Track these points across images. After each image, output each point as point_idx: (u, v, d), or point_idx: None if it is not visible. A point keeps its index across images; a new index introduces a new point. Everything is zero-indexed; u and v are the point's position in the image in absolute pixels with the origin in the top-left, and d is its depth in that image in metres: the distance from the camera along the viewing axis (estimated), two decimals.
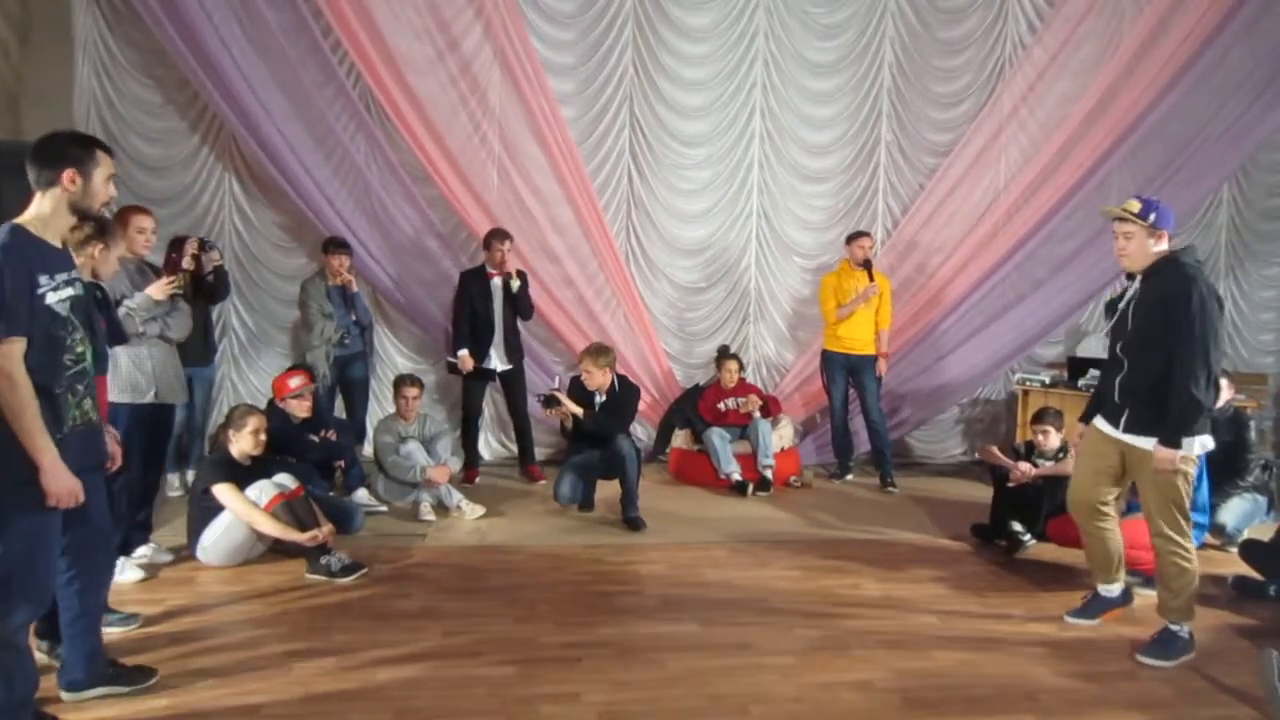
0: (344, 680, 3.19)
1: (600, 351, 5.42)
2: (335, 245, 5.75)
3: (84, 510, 2.69)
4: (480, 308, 5.94)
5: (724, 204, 6.89)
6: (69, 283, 2.66)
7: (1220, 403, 5.06)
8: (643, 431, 6.92)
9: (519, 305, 6.00)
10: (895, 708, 3.10)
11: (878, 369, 6.28)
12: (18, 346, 2.48)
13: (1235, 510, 4.99)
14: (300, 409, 5.08)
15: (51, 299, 2.58)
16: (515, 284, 5.91)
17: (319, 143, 6.08)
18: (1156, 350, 3.43)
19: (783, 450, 6.32)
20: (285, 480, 4.40)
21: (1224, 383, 5.04)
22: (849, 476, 6.47)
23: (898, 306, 6.55)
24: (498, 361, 6.04)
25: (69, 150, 2.67)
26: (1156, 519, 3.53)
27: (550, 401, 5.32)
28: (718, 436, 6.14)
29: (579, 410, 5.30)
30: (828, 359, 6.32)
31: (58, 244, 2.70)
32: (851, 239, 6.26)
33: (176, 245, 5.16)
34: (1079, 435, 3.92)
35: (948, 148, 6.89)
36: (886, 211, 7.03)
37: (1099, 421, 3.71)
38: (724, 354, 6.56)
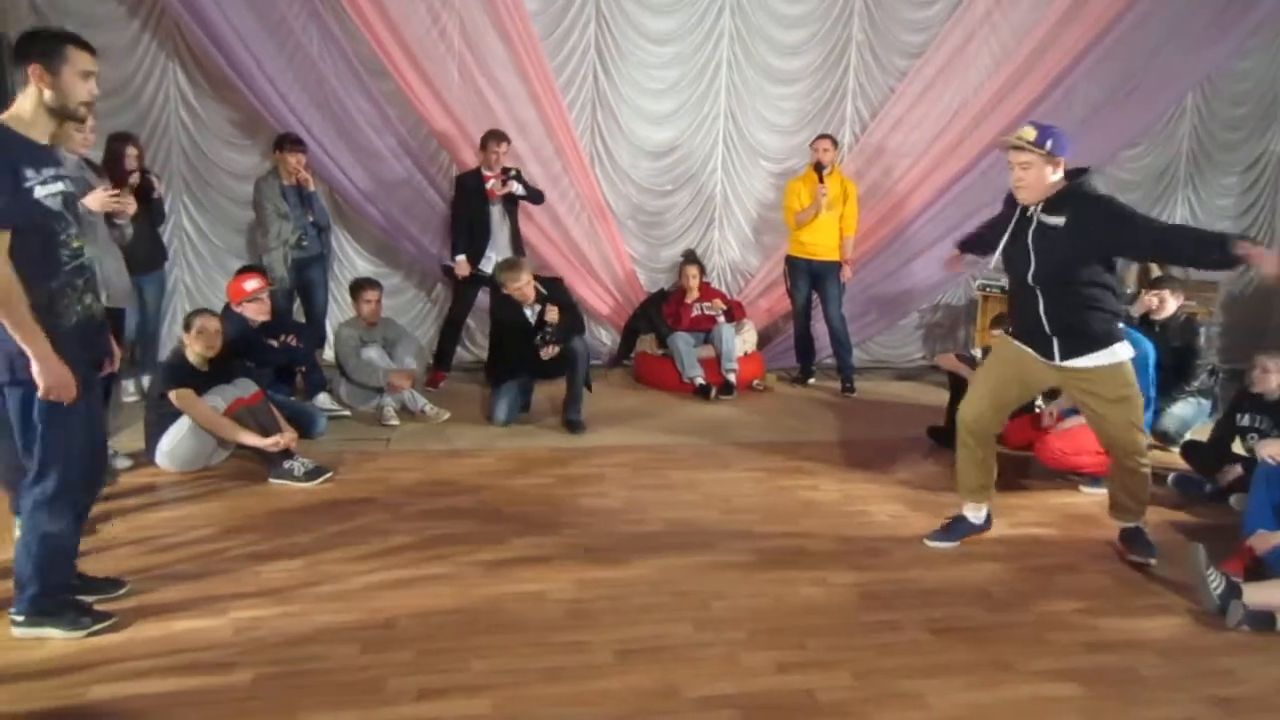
0: (311, 582, 3.23)
1: (511, 266, 5.23)
2: (290, 142, 5.54)
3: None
4: (477, 211, 5.81)
5: (691, 105, 6.73)
6: (58, 178, 2.64)
7: (1171, 310, 5.19)
8: (607, 336, 6.92)
9: (530, 197, 5.89)
10: (851, 602, 3.23)
11: (842, 275, 6.30)
12: (3, 238, 2.47)
13: (1179, 414, 5.15)
14: (258, 312, 4.98)
15: (40, 193, 2.56)
16: (517, 189, 5.77)
17: (270, 32, 5.77)
18: (1077, 275, 3.33)
19: (746, 354, 6.37)
20: (245, 385, 4.35)
21: (1167, 292, 5.16)
22: (811, 380, 6.56)
23: (864, 211, 6.52)
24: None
25: (35, 45, 2.61)
26: (1123, 441, 3.49)
27: (547, 343, 5.17)
28: (682, 341, 6.16)
29: (555, 317, 5.23)
30: (791, 264, 6.32)
31: (44, 141, 2.66)
32: (813, 141, 6.20)
33: (118, 142, 4.96)
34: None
35: (920, 49, 6.75)
36: (855, 115, 6.92)
37: (1024, 347, 3.55)
38: (689, 259, 6.53)
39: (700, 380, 6.05)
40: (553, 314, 5.22)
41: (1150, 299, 5.16)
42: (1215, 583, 3.17)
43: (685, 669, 2.75)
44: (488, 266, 5.86)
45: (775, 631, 2.99)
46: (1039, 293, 3.42)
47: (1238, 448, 4.45)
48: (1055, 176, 3.34)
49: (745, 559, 3.55)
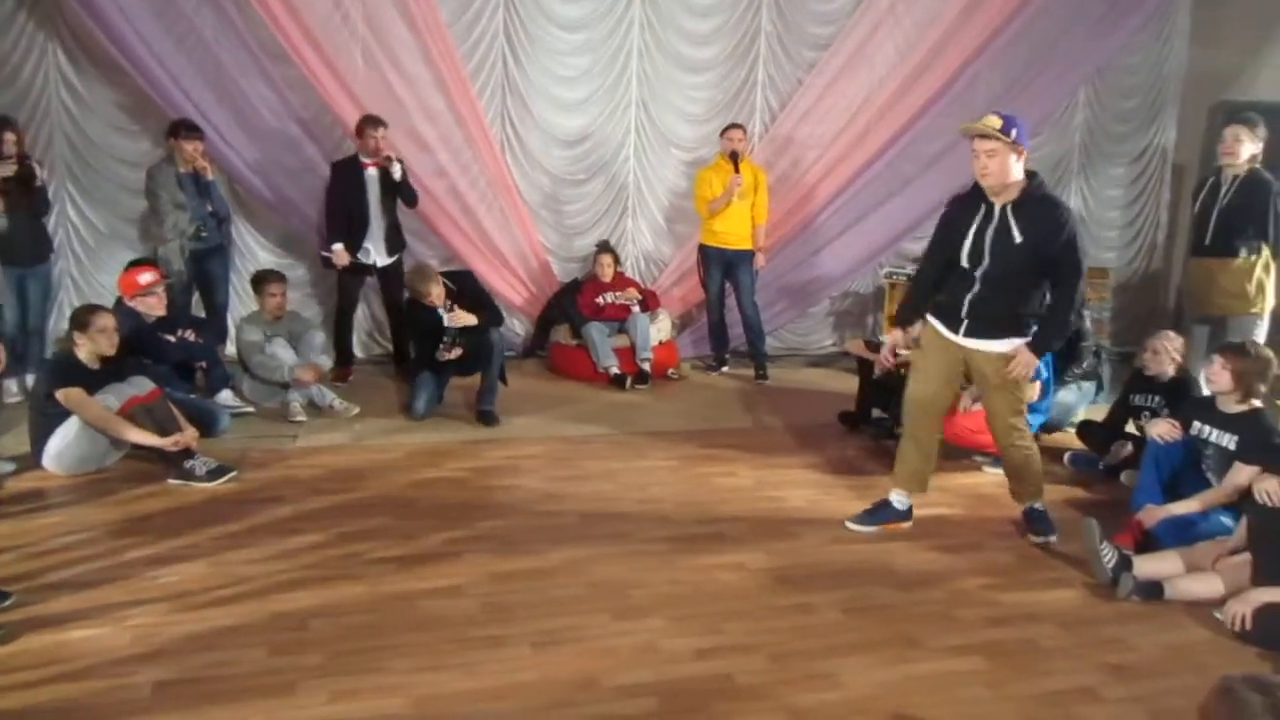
0: (214, 585, 3.11)
1: (423, 278, 5.18)
2: (185, 129, 5.29)
3: None
4: (354, 200, 5.62)
5: (603, 92, 6.69)
6: None
7: None
8: (521, 327, 6.86)
9: (402, 193, 5.71)
10: (766, 586, 3.27)
11: (755, 262, 6.37)
12: None
13: (1062, 400, 5.29)
14: (153, 306, 4.77)
15: None
16: (397, 171, 5.58)
17: (157, 12, 5.50)
18: (1018, 281, 3.43)
19: (660, 343, 6.39)
20: (140, 383, 4.15)
21: None
22: (725, 368, 6.62)
23: (774, 202, 6.61)
24: (377, 255, 5.76)
25: None
26: (1004, 419, 3.63)
27: (451, 345, 5.13)
28: (597, 331, 6.15)
29: (473, 319, 5.16)
30: (704, 253, 6.36)
31: None
32: (723, 131, 6.24)
33: None
34: (904, 337, 3.87)
35: (828, 41, 6.86)
36: (765, 105, 6.99)
37: (935, 322, 3.66)
38: (602, 248, 6.51)
39: (615, 370, 6.05)
40: (465, 317, 5.14)
41: None
42: (1108, 556, 3.33)
43: (604, 659, 2.75)
44: (366, 257, 5.71)
45: (693, 618, 3.02)
46: (978, 285, 3.48)
47: (1130, 427, 4.67)
48: (1019, 167, 3.37)
49: (662, 547, 3.57)
